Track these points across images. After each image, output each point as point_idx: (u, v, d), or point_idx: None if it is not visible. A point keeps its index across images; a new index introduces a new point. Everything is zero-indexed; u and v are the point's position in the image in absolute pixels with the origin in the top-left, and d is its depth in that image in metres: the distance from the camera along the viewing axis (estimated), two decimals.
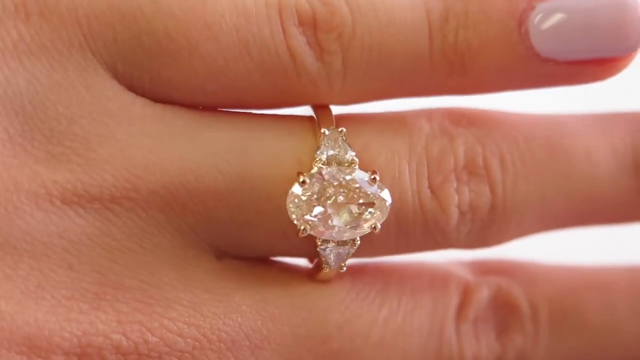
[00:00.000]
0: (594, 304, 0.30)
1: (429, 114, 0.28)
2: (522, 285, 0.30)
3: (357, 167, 0.26)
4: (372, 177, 0.26)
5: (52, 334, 0.25)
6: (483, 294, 0.29)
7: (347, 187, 0.26)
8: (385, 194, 0.26)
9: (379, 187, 0.26)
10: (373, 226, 0.26)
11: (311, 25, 0.26)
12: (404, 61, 0.27)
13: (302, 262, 0.29)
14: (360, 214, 0.26)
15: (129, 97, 0.26)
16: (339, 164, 0.26)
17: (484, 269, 0.30)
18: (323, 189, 0.26)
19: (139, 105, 0.26)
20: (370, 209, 0.26)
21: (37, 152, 0.25)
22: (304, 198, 0.26)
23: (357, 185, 0.26)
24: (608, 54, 0.27)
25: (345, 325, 0.28)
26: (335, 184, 0.26)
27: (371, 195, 0.26)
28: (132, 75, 0.26)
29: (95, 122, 0.26)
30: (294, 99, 0.27)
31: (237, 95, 0.27)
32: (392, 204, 0.27)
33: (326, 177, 0.26)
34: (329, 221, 0.26)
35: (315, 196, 0.26)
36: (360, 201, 0.26)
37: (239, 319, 0.27)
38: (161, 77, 0.26)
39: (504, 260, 0.31)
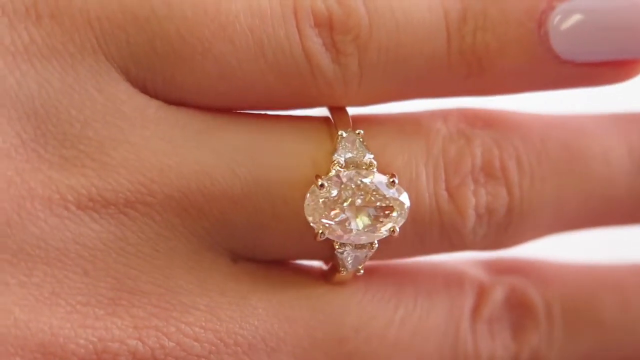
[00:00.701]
0: (608, 302, 0.30)
1: (444, 115, 0.28)
2: (536, 284, 0.30)
3: (375, 169, 0.26)
4: (391, 180, 0.26)
5: (67, 341, 0.25)
6: (498, 294, 0.29)
7: (365, 190, 0.26)
8: (404, 197, 0.26)
9: (397, 190, 0.26)
10: (392, 230, 0.26)
11: (327, 26, 0.26)
12: (421, 62, 0.27)
13: (316, 263, 0.28)
14: (379, 217, 0.26)
15: (142, 99, 0.26)
16: (357, 166, 0.26)
17: (497, 268, 0.30)
18: (341, 192, 0.25)
19: (152, 108, 0.26)
20: (388, 212, 0.26)
21: (51, 157, 0.25)
22: (321, 201, 0.25)
23: (376, 188, 0.26)
24: (627, 56, 0.27)
25: (361, 327, 0.27)
26: (353, 187, 0.26)
27: (390, 199, 0.26)
28: (145, 78, 0.26)
29: (109, 125, 0.25)
30: (309, 100, 0.27)
31: (251, 97, 0.26)
32: (409, 207, 0.26)
33: (344, 180, 0.26)
34: (347, 225, 0.26)
35: (333, 199, 0.25)
36: (379, 204, 0.26)
37: (256, 322, 0.26)
38: (174, 80, 0.26)
39: (518, 259, 0.31)
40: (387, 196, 0.26)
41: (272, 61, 0.26)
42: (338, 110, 0.27)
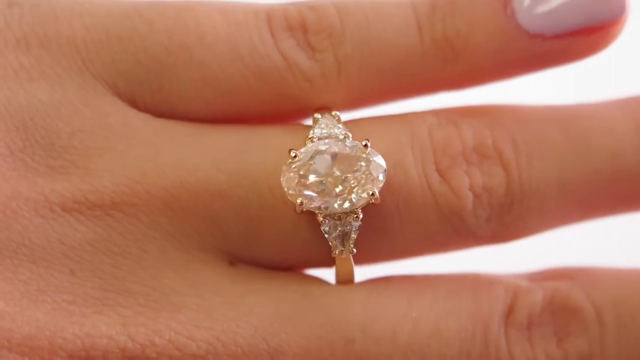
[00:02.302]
0: None
1: (434, 111, 0.28)
2: (584, 287, 0.27)
3: (350, 139, 0.26)
4: (364, 143, 0.26)
5: (53, 335, 0.25)
6: (536, 298, 0.27)
7: (339, 157, 0.26)
8: (379, 159, 0.26)
9: (371, 153, 0.26)
10: (372, 193, 0.25)
11: (301, 29, 0.28)
12: (397, 54, 0.27)
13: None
14: (355, 181, 0.25)
15: (130, 112, 0.27)
16: (331, 138, 0.26)
17: (541, 276, 0.28)
18: (314, 161, 0.26)
19: (140, 120, 0.27)
20: (364, 173, 0.25)
21: (38, 166, 0.26)
22: (296, 172, 0.26)
23: (349, 153, 0.26)
24: (595, 22, 0.27)
25: (368, 326, 0.26)
26: (326, 154, 0.26)
27: (364, 161, 0.26)
28: (133, 92, 0.27)
29: (95, 135, 0.27)
30: (295, 102, 0.28)
31: (236, 103, 0.27)
32: (399, 189, 0.26)
33: (318, 148, 0.26)
34: (323, 191, 0.25)
35: (307, 169, 0.26)
36: (354, 168, 0.26)
37: (254, 321, 0.26)
38: (162, 90, 0.27)
39: (563, 267, 0.29)
40: (362, 157, 0.26)
41: (250, 64, 0.27)
42: (323, 109, 0.28)
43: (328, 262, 0.27)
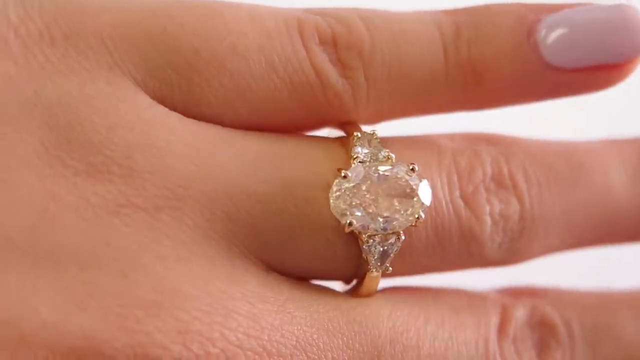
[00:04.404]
0: (626, 320, 0.30)
1: (450, 135, 0.29)
2: (554, 304, 0.30)
3: (394, 161, 0.27)
4: (411, 167, 0.26)
5: (102, 345, 0.24)
6: (520, 314, 0.29)
7: (387, 179, 0.26)
8: (424, 184, 0.26)
9: (418, 176, 0.26)
10: (417, 216, 0.26)
11: (331, 43, 0.27)
12: (423, 75, 0.28)
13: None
14: (402, 204, 0.26)
15: (163, 109, 0.26)
16: (376, 160, 0.27)
17: (514, 292, 0.30)
18: (364, 182, 0.26)
19: (175, 118, 0.26)
20: (411, 196, 0.26)
21: (77, 164, 0.25)
22: (346, 192, 0.26)
23: (397, 176, 0.26)
24: (613, 60, 0.28)
25: (395, 339, 0.27)
26: (375, 175, 0.26)
27: (412, 185, 0.26)
28: (163, 92, 0.26)
29: (134, 130, 0.25)
30: (321, 116, 0.28)
31: (266, 114, 0.27)
32: (428, 211, 0.27)
33: (366, 169, 0.26)
34: (372, 214, 0.26)
35: (357, 189, 0.26)
36: (401, 191, 0.26)
37: (296, 331, 0.26)
38: (192, 95, 0.26)
39: (531, 286, 0.31)
40: (408, 183, 0.26)
41: (284, 77, 0.27)
42: (350, 124, 0.28)
43: (350, 277, 0.28)
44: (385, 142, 0.28)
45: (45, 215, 0.24)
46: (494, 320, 0.29)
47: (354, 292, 0.28)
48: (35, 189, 0.24)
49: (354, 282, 0.28)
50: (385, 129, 0.29)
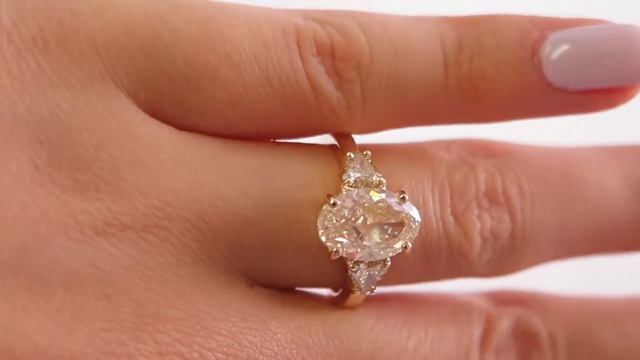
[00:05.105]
0: (608, 331, 0.30)
1: (447, 144, 0.29)
2: (539, 315, 0.30)
3: (385, 187, 0.26)
4: (401, 196, 0.26)
5: None
6: (504, 324, 0.29)
7: (377, 207, 0.26)
8: (415, 213, 0.26)
9: (407, 206, 0.26)
10: (404, 246, 0.26)
11: (329, 54, 0.27)
12: (421, 89, 0.27)
13: (324, 292, 0.29)
14: (391, 233, 0.26)
15: (154, 124, 0.26)
16: (367, 185, 0.26)
17: (501, 299, 0.31)
18: (353, 210, 0.26)
19: (165, 132, 0.26)
20: (399, 225, 0.26)
21: (65, 181, 0.25)
22: (334, 220, 0.26)
23: (387, 205, 0.26)
24: (616, 84, 0.28)
25: (377, 354, 0.27)
26: (365, 204, 0.26)
27: (402, 215, 0.26)
28: (154, 103, 0.26)
29: (123, 148, 0.25)
30: (314, 128, 0.27)
31: (258, 125, 0.27)
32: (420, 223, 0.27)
33: (355, 197, 0.26)
34: (361, 242, 0.26)
35: (346, 218, 0.26)
36: (391, 220, 0.26)
37: (275, 348, 0.26)
38: (183, 105, 0.26)
39: (519, 291, 0.31)
40: (398, 212, 0.26)
41: (278, 88, 0.26)
42: (343, 136, 0.28)
43: (337, 288, 0.28)
44: (379, 154, 0.28)
45: (38, 235, 0.24)
46: (478, 331, 0.29)
47: (339, 303, 0.28)
48: (28, 207, 0.24)
49: (341, 290, 0.28)
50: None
